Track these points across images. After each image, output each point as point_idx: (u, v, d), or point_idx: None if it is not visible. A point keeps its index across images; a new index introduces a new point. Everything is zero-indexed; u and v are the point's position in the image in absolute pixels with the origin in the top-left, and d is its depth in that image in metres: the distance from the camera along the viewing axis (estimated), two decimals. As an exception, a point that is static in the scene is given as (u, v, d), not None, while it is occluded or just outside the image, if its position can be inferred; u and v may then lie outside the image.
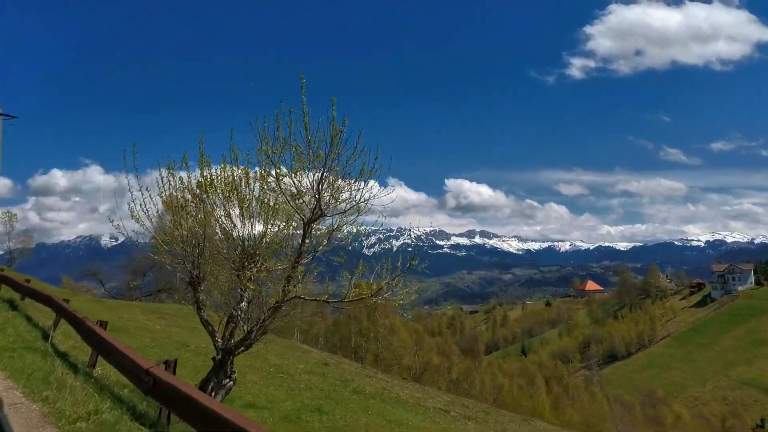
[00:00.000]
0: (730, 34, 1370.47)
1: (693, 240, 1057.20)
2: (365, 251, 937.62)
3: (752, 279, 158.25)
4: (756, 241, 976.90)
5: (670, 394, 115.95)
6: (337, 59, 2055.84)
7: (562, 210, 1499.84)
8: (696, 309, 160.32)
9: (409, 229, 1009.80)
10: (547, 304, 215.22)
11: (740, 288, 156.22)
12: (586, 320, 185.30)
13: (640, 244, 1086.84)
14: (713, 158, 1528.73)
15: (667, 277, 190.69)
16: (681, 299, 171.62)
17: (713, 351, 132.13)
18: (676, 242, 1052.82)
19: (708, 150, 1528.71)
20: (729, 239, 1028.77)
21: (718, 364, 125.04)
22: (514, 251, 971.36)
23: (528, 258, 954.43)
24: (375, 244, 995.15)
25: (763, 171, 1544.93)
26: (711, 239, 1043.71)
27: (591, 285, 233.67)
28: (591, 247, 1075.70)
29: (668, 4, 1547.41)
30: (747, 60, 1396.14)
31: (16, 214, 60.76)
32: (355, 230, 11.93)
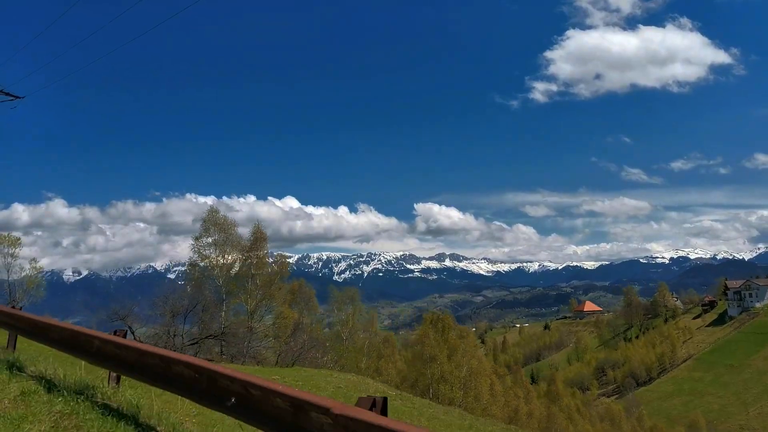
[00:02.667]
0: (686, 57, 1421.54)
1: (657, 257, 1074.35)
2: (336, 278, 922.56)
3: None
4: (718, 257, 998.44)
5: (711, 423, 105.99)
6: (308, 86, 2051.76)
7: (529, 231, 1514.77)
8: (713, 328, 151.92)
9: (380, 254, 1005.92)
10: (546, 327, 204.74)
11: (758, 305, 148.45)
12: (594, 343, 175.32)
13: (607, 263, 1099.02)
14: (673, 177, 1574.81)
15: (673, 295, 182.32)
16: (694, 318, 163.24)
17: (747, 374, 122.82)
18: (641, 260, 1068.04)
19: (668, 169, 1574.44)
20: (692, 255, 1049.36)
21: (756, 388, 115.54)
22: (485, 273, 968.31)
23: (498, 279, 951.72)
24: (345, 270, 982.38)
25: (721, 189, 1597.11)
26: (675, 256, 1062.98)
27: (589, 306, 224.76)
28: (559, 267, 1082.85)
29: (624, 29, 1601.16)
30: (702, 82, 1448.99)
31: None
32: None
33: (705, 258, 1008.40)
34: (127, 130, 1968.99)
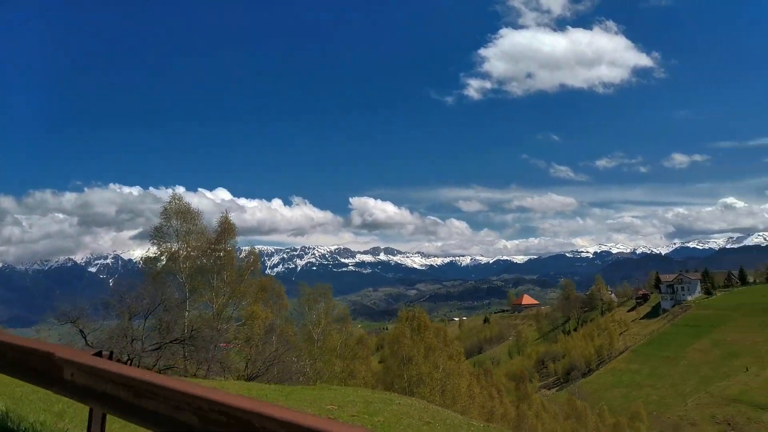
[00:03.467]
0: (611, 59, 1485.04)
1: (582, 251, 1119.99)
2: (268, 272, 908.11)
3: (699, 288, 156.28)
4: (638, 251, 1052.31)
5: (651, 414, 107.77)
6: (241, 73, 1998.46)
7: (462, 226, 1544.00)
8: (648, 320, 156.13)
9: (314, 248, 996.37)
10: (486, 320, 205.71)
11: (689, 298, 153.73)
12: (533, 336, 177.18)
13: (535, 257, 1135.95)
14: (598, 175, 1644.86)
15: (608, 288, 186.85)
16: (629, 311, 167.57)
17: (682, 366, 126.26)
18: (567, 254, 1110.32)
19: (593, 167, 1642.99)
20: (614, 250, 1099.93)
21: (693, 379, 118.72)
22: (418, 267, 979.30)
23: (431, 273, 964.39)
24: (278, 264, 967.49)
25: (640, 186, 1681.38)
26: (598, 250, 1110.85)
27: (527, 299, 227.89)
28: (490, 261, 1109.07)
29: (554, 30, 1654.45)
30: (626, 84, 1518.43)
31: None
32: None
33: (626, 252, 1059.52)
34: (47, 115, 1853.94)
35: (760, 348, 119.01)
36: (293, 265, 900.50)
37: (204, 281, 39.18)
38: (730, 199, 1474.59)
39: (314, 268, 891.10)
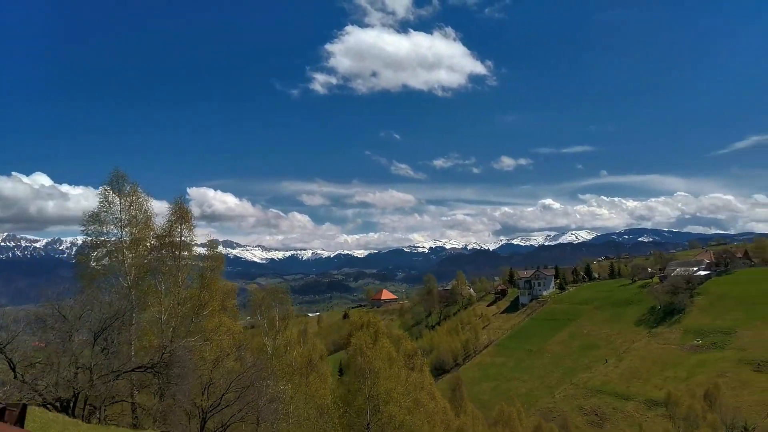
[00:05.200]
0: (450, 64, 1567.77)
1: (419, 247, 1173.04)
2: (93, 264, 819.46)
3: (553, 284, 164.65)
4: (468, 247, 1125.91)
5: (522, 406, 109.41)
6: (66, 49, 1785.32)
7: (305, 219, 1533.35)
8: (508, 315, 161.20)
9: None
10: (345, 315, 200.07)
11: (545, 293, 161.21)
12: (397, 331, 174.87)
13: (375, 251, 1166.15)
14: (435, 173, 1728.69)
15: (467, 284, 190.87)
16: (488, 305, 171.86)
17: (545, 358, 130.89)
18: (405, 249, 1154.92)
19: (431, 166, 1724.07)
20: (447, 246, 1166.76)
21: (557, 371, 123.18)
22: (259, 260, 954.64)
23: (272, 267, 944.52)
24: (105, 257, 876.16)
25: (472, 186, 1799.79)
26: (433, 246, 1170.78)
27: (386, 294, 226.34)
28: (331, 255, 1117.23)
29: (398, 32, 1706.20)
30: (463, 89, 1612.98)
31: None
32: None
33: (458, 248, 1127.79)
34: None
35: (615, 340, 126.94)
36: (123, 258, 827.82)
37: (151, 285, 28.84)
38: (548, 201, 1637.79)
39: (145, 261, 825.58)
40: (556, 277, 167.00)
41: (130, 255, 28.45)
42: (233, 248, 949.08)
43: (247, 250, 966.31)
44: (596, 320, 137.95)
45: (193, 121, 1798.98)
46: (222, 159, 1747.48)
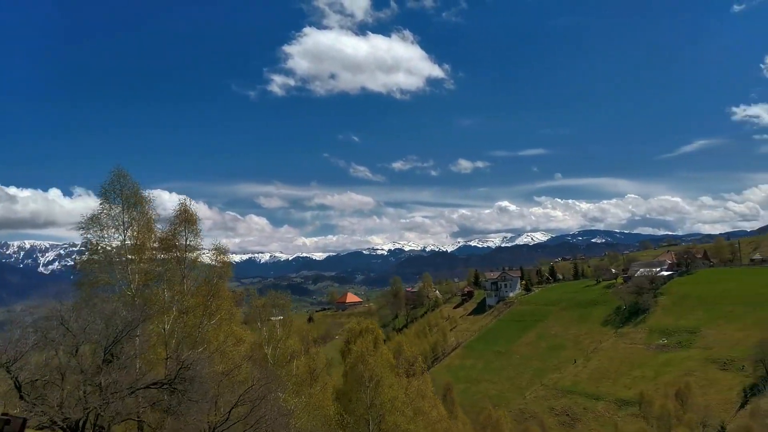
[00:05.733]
0: (408, 67, 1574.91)
1: (378, 249, 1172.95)
2: (42, 269, 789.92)
3: (519, 285, 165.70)
4: (427, 249, 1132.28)
5: (494, 409, 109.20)
6: (14, 46, 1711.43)
7: (262, 222, 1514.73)
8: (475, 317, 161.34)
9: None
10: (310, 319, 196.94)
11: (511, 294, 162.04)
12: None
13: (334, 254, 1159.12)
14: (394, 176, 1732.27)
15: (433, 286, 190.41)
16: (455, 307, 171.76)
17: (514, 359, 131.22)
18: (364, 251, 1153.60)
19: (390, 169, 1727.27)
20: (406, 248, 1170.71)
21: (526, 372, 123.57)
22: (215, 264, 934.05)
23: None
24: (54, 260, 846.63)
25: (430, 188, 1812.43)
26: (392, 248, 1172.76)
27: (351, 297, 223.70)
28: (290, 258, 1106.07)
29: (357, 34, 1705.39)
30: (421, 92, 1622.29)
31: None
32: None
33: (417, 250, 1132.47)
34: None
35: (582, 340, 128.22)
36: (73, 263, 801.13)
37: (156, 293, 26.65)
38: (505, 203, 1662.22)
39: (97, 265, 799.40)
40: (522, 278, 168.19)
41: (133, 261, 25.92)
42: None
43: (203, 254, 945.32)
44: (563, 321, 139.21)
45: (145, 123, 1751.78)
46: (176, 161, 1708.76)
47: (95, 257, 25.60)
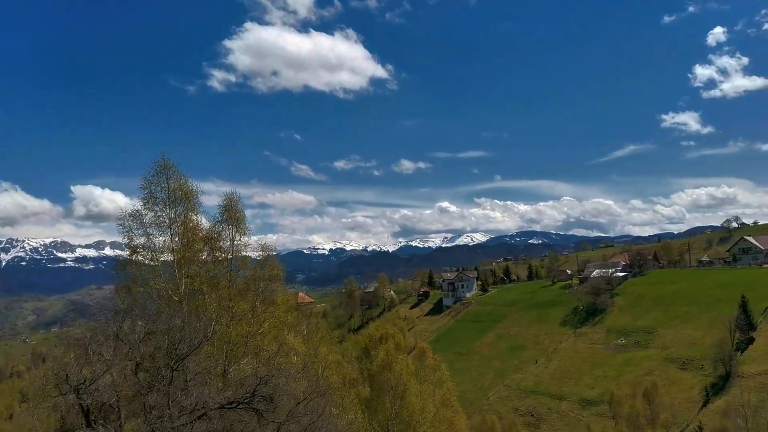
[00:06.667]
0: (351, 66, 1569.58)
1: (319, 248, 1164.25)
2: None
3: (476, 285, 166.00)
4: (369, 249, 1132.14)
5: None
6: None
7: (201, 220, 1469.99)
8: (432, 317, 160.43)
9: (24, 241, 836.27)
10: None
11: (468, 295, 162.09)
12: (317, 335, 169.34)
13: (273, 254, 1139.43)
14: (336, 175, 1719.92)
15: (387, 286, 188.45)
16: (411, 308, 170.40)
17: (475, 360, 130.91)
18: (305, 251, 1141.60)
19: (332, 168, 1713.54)
20: (348, 247, 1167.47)
21: (488, 373, 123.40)
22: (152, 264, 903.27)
23: (163, 269, 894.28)
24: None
25: (372, 188, 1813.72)
26: (334, 247, 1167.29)
27: (302, 297, 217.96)
28: (229, 257, 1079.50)
29: (299, 31, 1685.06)
30: (364, 91, 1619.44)
31: None
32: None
33: (358, 249, 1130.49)
34: None
35: (542, 340, 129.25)
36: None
37: (205, 299, 23.45)
38: (446, 204, 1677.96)
39: (23, 263, 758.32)
40: (477, 278, 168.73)
41: (180, 262, 22.41)
42: (122, 249, 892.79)
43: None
44: (522, 321, 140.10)
45: (79, 117, 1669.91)
46: (110, 155, 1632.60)
47: (139, 258, 22.16)
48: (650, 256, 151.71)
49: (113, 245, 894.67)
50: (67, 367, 14.00)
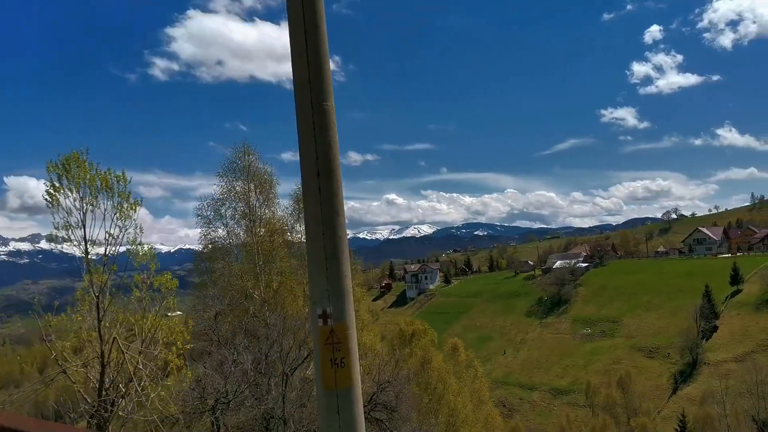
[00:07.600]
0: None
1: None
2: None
3: (439, 277, 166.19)
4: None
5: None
6: None
7: (142, 212, 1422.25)
8: (396, 309, 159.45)
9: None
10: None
11: (431, 286, 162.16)
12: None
13: (219, 246, 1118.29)
14: (283, 167, 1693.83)
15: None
16: (374, 300, 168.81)
17: (443, 352, 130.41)
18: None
19: (279, 160, 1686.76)
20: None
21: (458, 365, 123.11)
22: (91, 256, 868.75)
23: (100, 263, 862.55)
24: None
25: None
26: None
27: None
28: (172, 250, 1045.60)
29: (245, 20, 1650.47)
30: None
31: None
32: None
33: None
34: None
35: (509, 331, 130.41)
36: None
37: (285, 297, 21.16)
38: (393, 196, 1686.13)
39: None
40: (440, 270, 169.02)
41: (266, 256, 19.98)
42: (58, 243, 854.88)
43: (76, 246, 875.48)
44: (488, 312, 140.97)
45: (9, 104, 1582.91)
46: (46, 145, 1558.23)
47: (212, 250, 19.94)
48: (609, 247, 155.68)
49: (48, 239, 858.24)
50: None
